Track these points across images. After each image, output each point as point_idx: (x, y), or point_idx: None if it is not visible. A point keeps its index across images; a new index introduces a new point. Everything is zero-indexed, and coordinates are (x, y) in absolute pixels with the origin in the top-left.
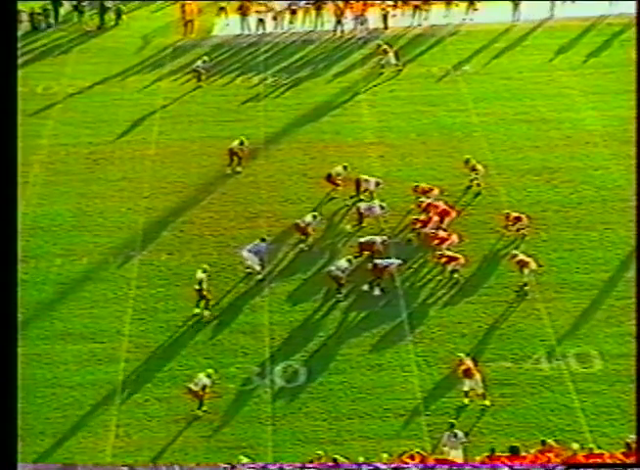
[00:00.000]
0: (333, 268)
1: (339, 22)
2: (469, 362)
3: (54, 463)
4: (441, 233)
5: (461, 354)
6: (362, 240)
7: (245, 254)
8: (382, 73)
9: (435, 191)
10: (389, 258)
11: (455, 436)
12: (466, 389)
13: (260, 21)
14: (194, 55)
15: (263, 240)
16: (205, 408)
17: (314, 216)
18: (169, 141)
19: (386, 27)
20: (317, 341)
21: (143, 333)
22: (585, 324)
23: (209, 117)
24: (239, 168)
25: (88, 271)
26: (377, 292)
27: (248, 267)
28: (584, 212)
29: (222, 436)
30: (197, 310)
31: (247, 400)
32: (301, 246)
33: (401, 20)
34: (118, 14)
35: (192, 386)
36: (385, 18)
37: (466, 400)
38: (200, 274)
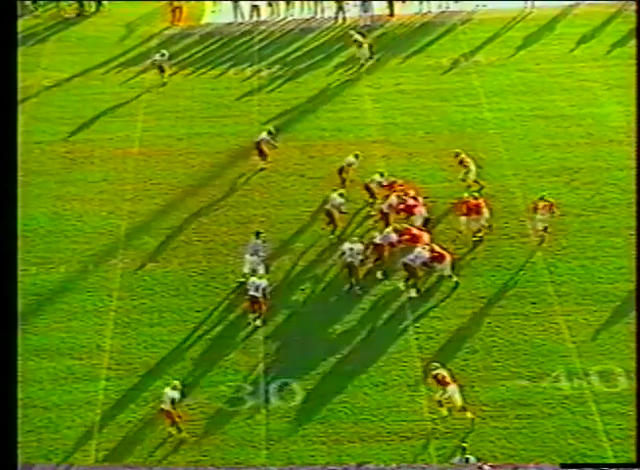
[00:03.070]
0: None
1: (340, 8)
2: (443, 371)
3: (57, 464)
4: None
5: (435, 364)
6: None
7: (247, 258)
8: (362, 66)
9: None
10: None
11: (467, 461)
12: (437, 398)
13: (254, 7)
14: (182, 45)
15: (258, 235)
16: (184, 433)
17: (341, 194)
18: (154, 139)
19: (391, 14)
20: (316, 357)
21: (125, 348)
22: (609, 339)
23: (198, 113)
24: (263, 164)
25: (65, 281)
26: (413, 293)
27: (244, 276)
28: (608, 217)
29: (211, 460)
30: (251, 317)
31: (238, 422)
32: (330, 237)
33: (409, 6)
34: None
35: (162, 405)
36: (390, 4)
37: (444, 411)
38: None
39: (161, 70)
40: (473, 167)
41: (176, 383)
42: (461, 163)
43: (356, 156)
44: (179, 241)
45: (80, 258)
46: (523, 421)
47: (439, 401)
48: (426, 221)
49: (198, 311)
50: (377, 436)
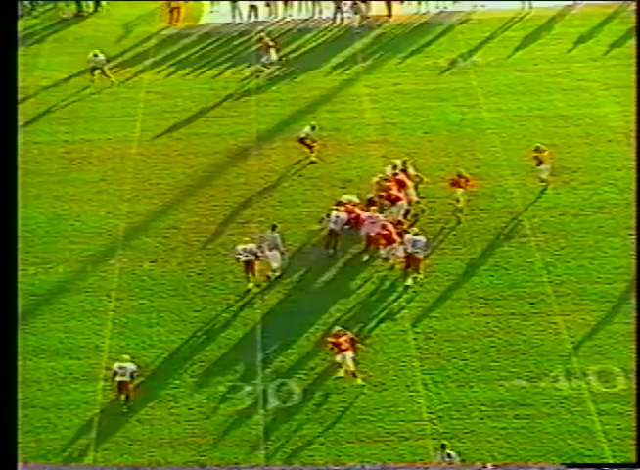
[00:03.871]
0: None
1: (338, 8)
2: (343, 339)
3: (57, 464)
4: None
5: (339, 328)
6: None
7: (269, 254)
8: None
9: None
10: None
11: (449, 457)
12: (337, 360)
13: (253, 7)
14: (180, 45)
15: (274, 228)
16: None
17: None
18: (153, 139)
19: (389, 14)
20: (314, 357)
21: (123, 349)
22: (607, 339)
23: (197, 113)
24: (314, 157)
25: (64, 281)
26: (409, 282)
27: (274, 271)
28: (606, 217)
29: (210, 461)
30: (250, 285)
31: (237, 422)
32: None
33: (407, 6)
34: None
35: (119, 377)
36: (389, 4)
37: (341, 372)
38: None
39: (93, 70)
40: (411, 172)
41: (127, 357)
42: (404, 171)
43: (394, 167)
44: (178, 241)
45: (79, 259)
46: (521, 421)
47: (339, 364)
48: (406, 213)
49: (196, 311)
50: (375, 436)
